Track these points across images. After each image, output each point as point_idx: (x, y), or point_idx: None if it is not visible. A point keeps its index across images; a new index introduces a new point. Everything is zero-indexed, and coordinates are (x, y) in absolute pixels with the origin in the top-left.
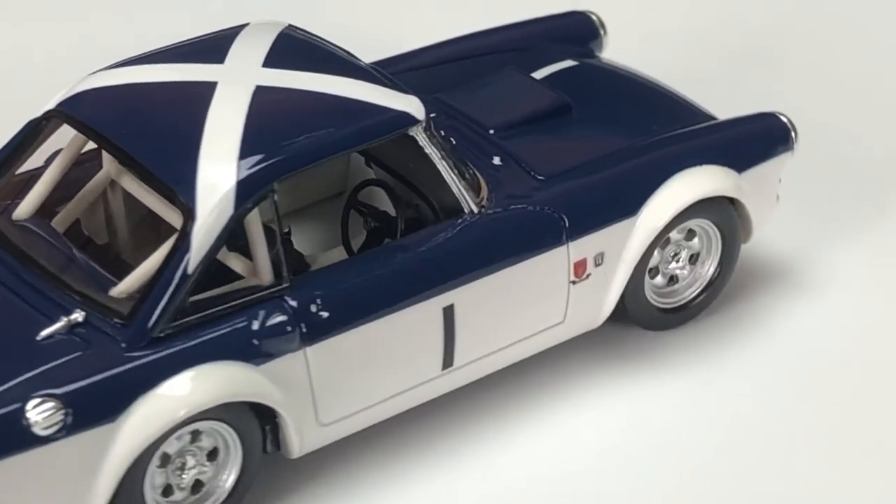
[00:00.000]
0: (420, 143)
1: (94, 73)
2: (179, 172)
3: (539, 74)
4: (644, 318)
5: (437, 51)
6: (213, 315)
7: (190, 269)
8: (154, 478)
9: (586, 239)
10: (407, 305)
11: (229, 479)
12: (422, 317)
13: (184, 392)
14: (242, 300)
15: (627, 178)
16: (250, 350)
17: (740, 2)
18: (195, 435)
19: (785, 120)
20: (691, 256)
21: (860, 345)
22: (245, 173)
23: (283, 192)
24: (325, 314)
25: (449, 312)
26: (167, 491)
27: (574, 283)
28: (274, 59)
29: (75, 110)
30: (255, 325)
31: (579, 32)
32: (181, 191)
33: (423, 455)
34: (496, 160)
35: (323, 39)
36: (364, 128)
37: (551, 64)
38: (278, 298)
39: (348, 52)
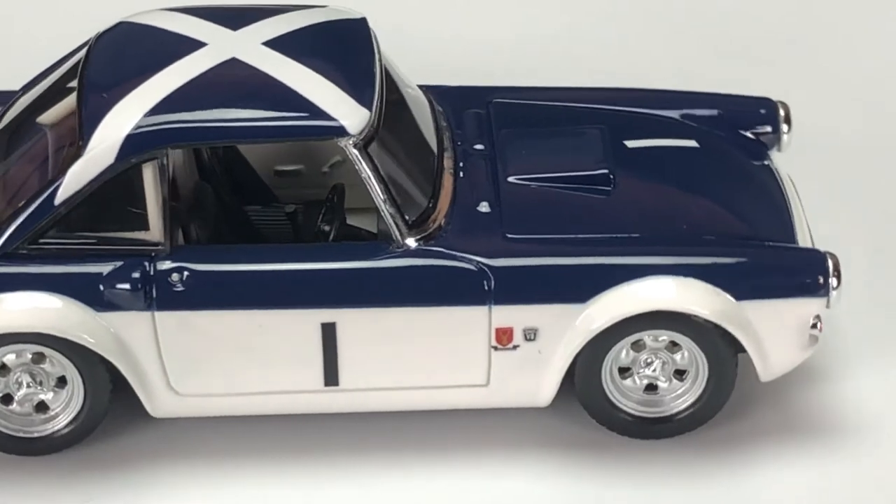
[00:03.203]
0: (350, 157)
1: (156, 9)
2: (94, 114)
3: (640, 143)
4: (597, 412)
5: (591, 93)
6: (73, 249)
7: (56, 202)
8: None
9: (515, 308)
10: (279, 308)
11: (69, 413)
12: (296, 324)
13: (5, 310)
14: (110, 246)
15: (589, 266)
16: (95, 295)
17: None
18: (40, 357)
19: (830, 264)
20: (680, 372)
21: None
22: (138, 130)
23: None
24: (181, 287)
25: (329, 330)
26: (8, 399)
27: (496, 349)
28: (282, 41)
29: (100, 36)
30: (108, 273)
31: (756, 120)
32: (85, 130)
33: (314, 463)
34: (483, 206)
35: (361, 40)
36: (286, 124)
37: (672, 138)
38: (146, 257)
39: (368, 58)
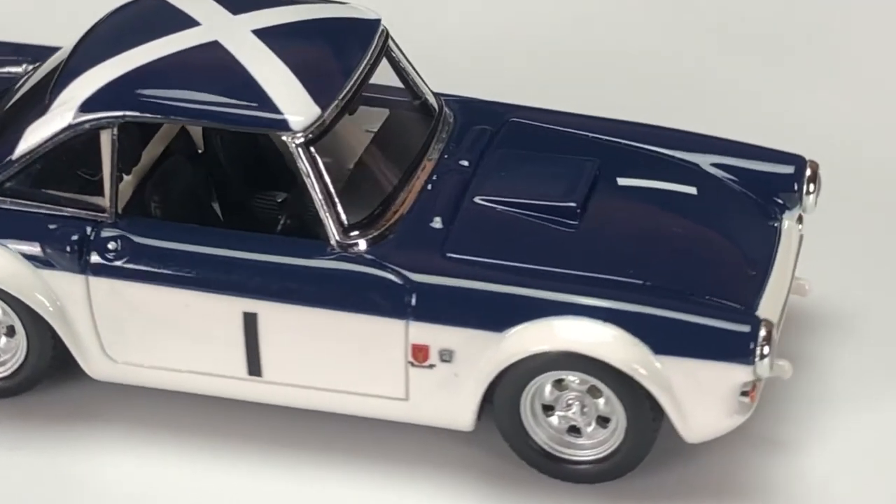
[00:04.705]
0: (293, 154)
1: None
2: (67, 77)
3: (633, 182)
4: (512, 442)
5: (611, 125)
6: (25, 204)
7: (14, 156)
8: None
9: (431, 327)
10: (204, 290)
11: (12, 364)
12: (219, 310)
13: None
14: (59, 206)
15: (509, 295)
16: (33, 250)
17: None
18: None
19: (761, 331)
20: (604, 420)
21: None
22: (97, 96)
23: None
24: (111, 255)
25: (251, 320)
26: None
27: (413, 364)
28: (271, 31)
29: (123, 6)
30: (50, 232)
31: (781, 177)
32: (54, 91)
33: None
34: (436, 222)
35: (358, 40)
36: (233, 112)
37: (671, 182)
38: (91, 222)
39: (353, 59)
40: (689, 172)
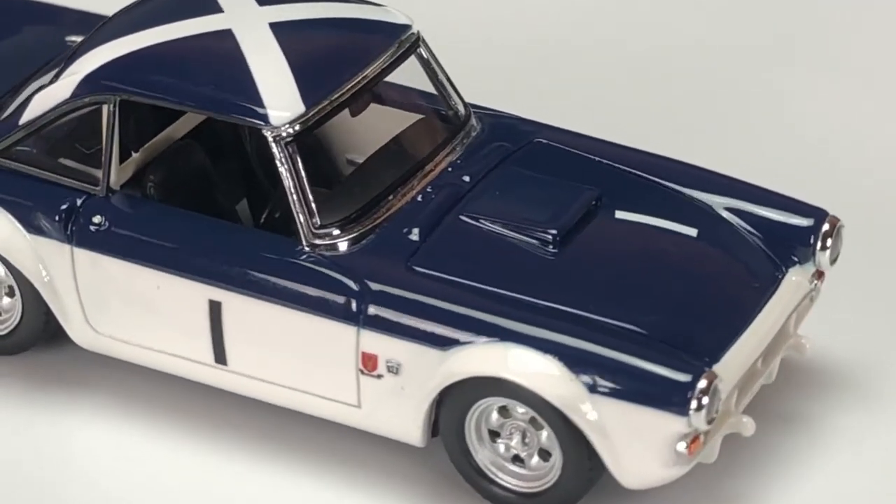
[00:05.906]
0: (271, 148)
1: None
2: (80, 49)
3: (632, 216)
4: (457, 462)
5: (634, 154)
6: (26, 170)
7: (20, 121)
8: None
9: (380, 337)
10: (173, 273)
11: (8, 324)
12: (186, 294)
13: None
14: (55, 175)
15: (456, 315)
16: (28, 216)
17: None
18: None
19: (700, 383)
20: (547, 453)
21: None
22: (99, 71)
23: None
24: (95, 228)
25: (216, 307)
26: None
27: (363, 373)
28: (287, 26)
29: None
30: (42, 199)
31: (799, 229)
32: (68, 62)
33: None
34: (413, 233)
35: (375, 43)
36: (219, 99)
37: (672, 221)
38: (84, 194)
39: (362, 61)
40: (696, 213)
